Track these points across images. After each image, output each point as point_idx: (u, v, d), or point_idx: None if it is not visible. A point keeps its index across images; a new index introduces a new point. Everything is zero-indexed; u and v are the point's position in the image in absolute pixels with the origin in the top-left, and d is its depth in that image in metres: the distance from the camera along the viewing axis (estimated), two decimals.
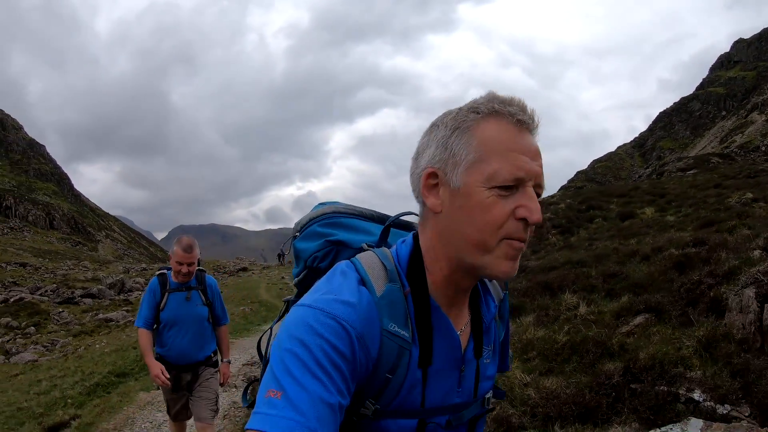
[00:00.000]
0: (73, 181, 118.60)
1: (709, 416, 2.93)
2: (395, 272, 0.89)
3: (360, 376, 0.83)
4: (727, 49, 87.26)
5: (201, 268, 3.79)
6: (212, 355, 3.91)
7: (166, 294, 3.66)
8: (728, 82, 77.30)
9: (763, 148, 44.89)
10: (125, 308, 21.39)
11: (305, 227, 1.12)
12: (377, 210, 1.17)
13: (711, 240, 6.98)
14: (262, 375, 0.87)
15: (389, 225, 1.04)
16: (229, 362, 4.04)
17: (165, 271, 3.78)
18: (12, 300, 23.48)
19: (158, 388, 5.10)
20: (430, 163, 0.88)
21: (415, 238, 0.94)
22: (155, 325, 3.69)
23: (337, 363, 0.77)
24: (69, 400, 7.68)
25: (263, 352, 1.13)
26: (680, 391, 3.08)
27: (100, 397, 7.73)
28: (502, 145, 0.83)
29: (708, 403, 3.01)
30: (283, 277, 28.66)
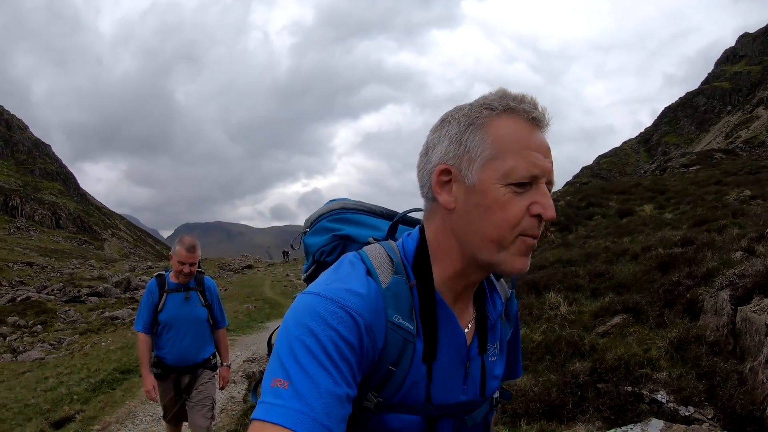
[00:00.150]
0: (79, 180, 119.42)
1: (672, 417, 2.99)
2: (401, 265, 0.89)
3: (365, 367, 0.82)
4: (733, 44, 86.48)
5: (200, 269, 3.76)
6: (211, 357, 3.87)
7: (165, 295, 3.63)
8: (734, 77, 76.71)
9: None
10: (131, 306, 21.65)
11: (315, 223, 1.13)
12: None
13: (699, 240, 7.02)
14: None
15: (397, 221, 1.04)
16: (228, 366, 4.00)
17: (163, 272, 3.75)
18: (19, 299, 23.74)
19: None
20: (442, 160, 0.87)
21: (422, 231, 0.94)
22: (155, 328, 3.64)
23: (345, 354, 0.77)
24: (75, 397, 7.88)
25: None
26: (644, 392, 3.17)
27: (105, 393, 7.92)
28: (517, 142, 0.84)
29: (671, 404, 3.07)
30: (287, 275, 28.85)
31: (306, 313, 0.79)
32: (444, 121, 0.90)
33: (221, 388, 3.99)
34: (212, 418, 3.83)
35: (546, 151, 0.86)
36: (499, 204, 0.82)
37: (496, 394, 1.01)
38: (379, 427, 0.88)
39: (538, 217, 0.84)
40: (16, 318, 20.32)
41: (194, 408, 3.71)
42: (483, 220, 0.84)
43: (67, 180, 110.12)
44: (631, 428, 2.74)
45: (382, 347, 0.83)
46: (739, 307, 3.92)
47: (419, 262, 0.90)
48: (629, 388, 3.20)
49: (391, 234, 1.01)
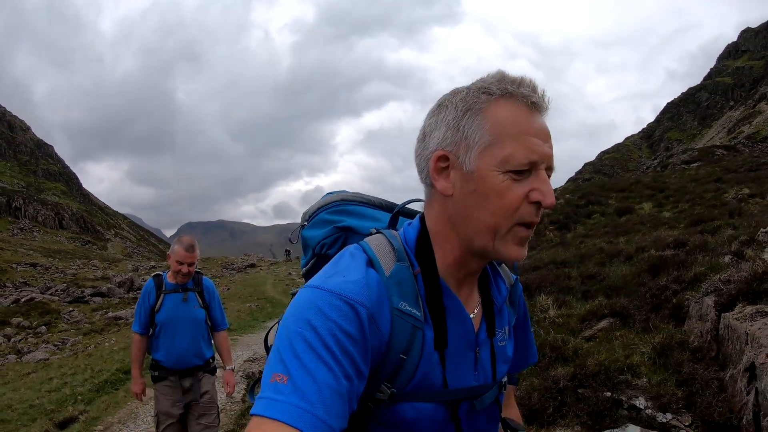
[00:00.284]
0: (81, 180, 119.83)
1: (649, 424, 2.99)
2: (404, 252, 0.89)
3: (373, 358, 0.81)
4: (735, 39, 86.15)
5: (198, 270, 3.71)
6: (210, 360, 3.80)
7: (162, 295, 3.57)
8: (736, 72, 76.42)
9: None
10: (134, 306, 21.74)
11: (313, 216, 1.11)
12: None
13: (691, 241, 7.01)
14: None
15: (398, 212, 1.03)
16: (232, 370, 3.92)
17: (161, 272, 3.70)
18: (23, 300, 23.98)
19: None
20: (440, 146, 0.86)
21: (422, 219, 0.93)
22: (152, 330, 3.58)
23: (346, 347, 0.75)
24: (79, 397, 8.02)
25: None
26: (623, 398, 3.20)
27: (108, 394, 8.05)
28: (515, 128, 0.82)
29: (649, 410, 3.07)
30: (290, 273, 28.98)
31: (305, 307, 0.79)
32: (441, 106, 0.89)
33: (228, 395, 3.92)
34: (218, 425, 3.78)
35: (545, 136, 0.84)
36: (497, 191, 0.81)
37: (505, 379, 1.01)
38: (395, 418, 0.86)
39: (537, 204, 0.83)
40: (21, 319, 20.52)
41: (200, 417, 3.64)
42: (480, 207, 0.83)
43: (69, 180, 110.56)
44: None
45: (389, 336, 0.82)
46: (722, 314, 3.88)
47: (421, 249, 0.89)
48: (608, 394, 3.25)
49: (393, 225, 1.01)
